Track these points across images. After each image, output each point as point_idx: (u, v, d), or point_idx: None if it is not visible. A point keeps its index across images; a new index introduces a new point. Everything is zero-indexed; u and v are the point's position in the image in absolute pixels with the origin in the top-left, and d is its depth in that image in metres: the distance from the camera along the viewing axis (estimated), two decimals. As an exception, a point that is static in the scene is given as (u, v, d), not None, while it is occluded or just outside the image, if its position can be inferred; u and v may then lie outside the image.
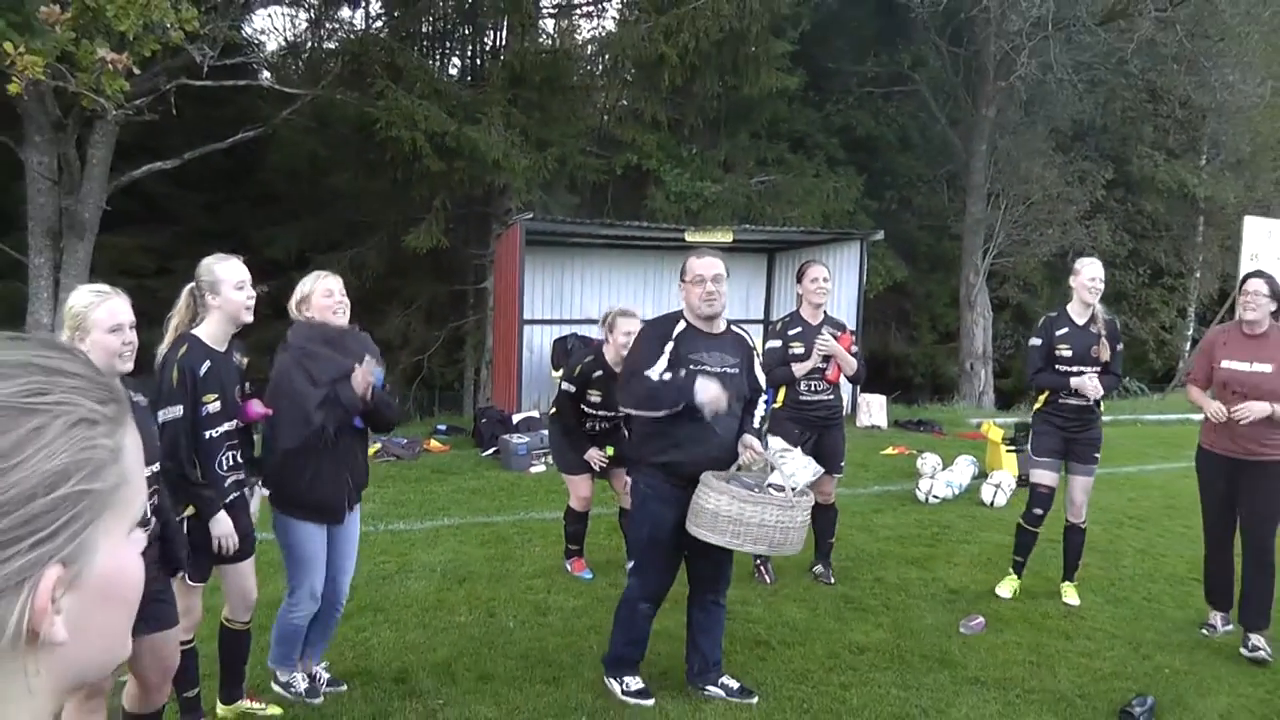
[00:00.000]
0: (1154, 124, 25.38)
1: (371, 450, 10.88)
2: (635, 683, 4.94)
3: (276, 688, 4.82)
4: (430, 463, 10.98)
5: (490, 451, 11.27)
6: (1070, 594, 6.71)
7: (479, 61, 19.95)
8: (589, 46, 18.38)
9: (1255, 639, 5.76)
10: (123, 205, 14.01)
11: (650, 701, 4.87)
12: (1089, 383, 6.28)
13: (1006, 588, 6.81)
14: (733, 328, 4.97)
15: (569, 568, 6.90)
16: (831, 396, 6.72)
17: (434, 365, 18.23)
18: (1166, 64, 22.16)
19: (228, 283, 4.13)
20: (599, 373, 6.47)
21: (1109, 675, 5.42)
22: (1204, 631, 6.14)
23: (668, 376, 4.64)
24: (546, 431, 10.87)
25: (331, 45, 18.40)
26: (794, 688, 5.12)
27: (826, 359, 6.54)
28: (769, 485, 4.70)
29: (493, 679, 5.07)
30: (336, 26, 18.57)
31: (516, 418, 11.41)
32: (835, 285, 13.64)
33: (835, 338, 6.55)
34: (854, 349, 6.75)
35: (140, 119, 11.61)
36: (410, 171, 15.47)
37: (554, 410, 6.93)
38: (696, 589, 5.09)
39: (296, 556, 4.65)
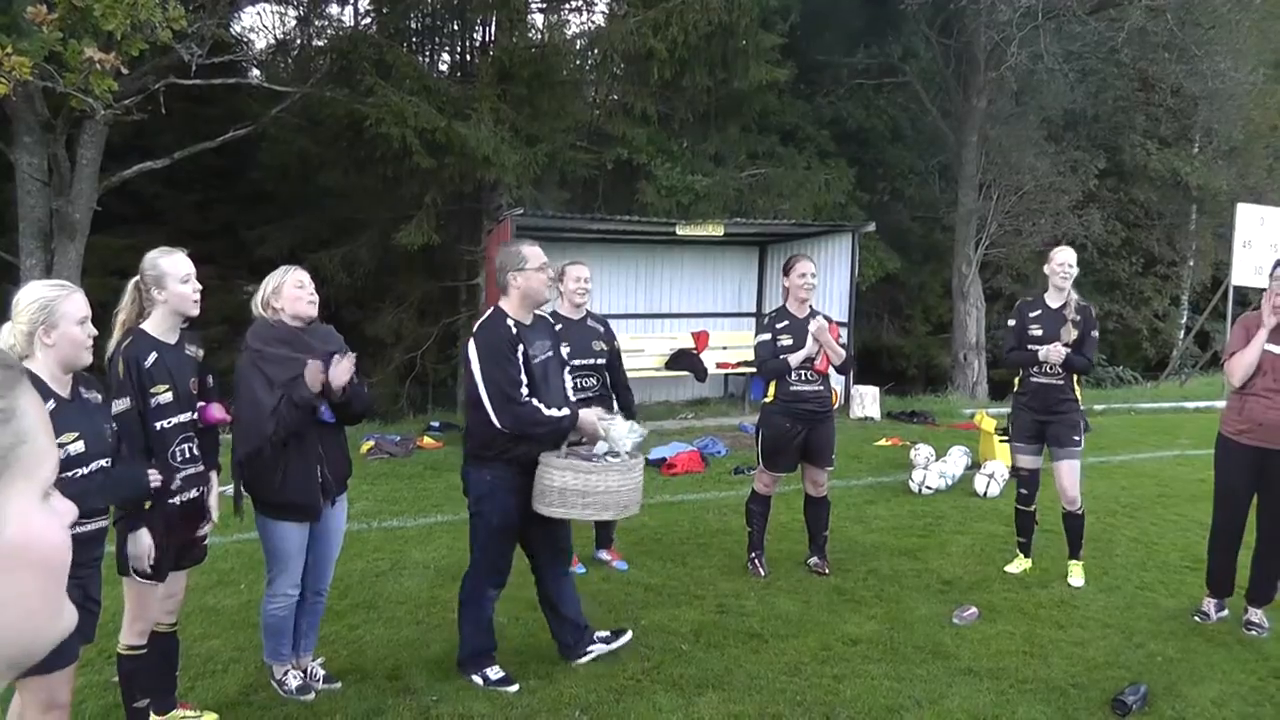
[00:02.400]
0: (1146, 113, 25.41)
1: (365, 448, 10.90)
2: (496, 672, 5.07)
3: (273, 684, 4.84)
4: (424, 459, 10.97)
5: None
6: (1076, 574, 6.85)
7: (468, 57, 19.92)
8: (578, 41, 18.32)
9: (1256, 614, 5.95)
10: (113, 205, 13.96)
11: (514, 687, 4.97)
12: (1054, 351, 6.45)
13: (1016, 566, 7.08)
14: (536, 312, 5.11)
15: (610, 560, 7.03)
16: (821, 387, 6.81)
17: (427, 362, 18.16)
18: (1157, 52, 22.14)
19: (173, 276, 4.13)
20: (558, 325, 6.51)
21: (1102, 664, 5.44)
22: (1196, 618, 6.17)
23: (551, 411, 4.82)
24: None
25: (320, 43, 18.29)
26: (787, 680, 5.13)
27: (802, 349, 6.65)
28: (605, 455, 4.91)
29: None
30: (325, 24, 18.46)
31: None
32: (827, 277, 13.73)
33: (827, 328, 6.67)
34: (841, 340, 6.84)
35: (129, 119, 11.57)
36: (400, 168, 15.41)
37: None
38: (545, 569, 5.27)
39: (273, 551, 4.68)
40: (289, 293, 4.62)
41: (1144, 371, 25.51)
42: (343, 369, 4.51)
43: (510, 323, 4.89)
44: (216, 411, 4.32)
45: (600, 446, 4.97)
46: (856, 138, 23.43)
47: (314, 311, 4.68)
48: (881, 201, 22.69)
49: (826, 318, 6.82)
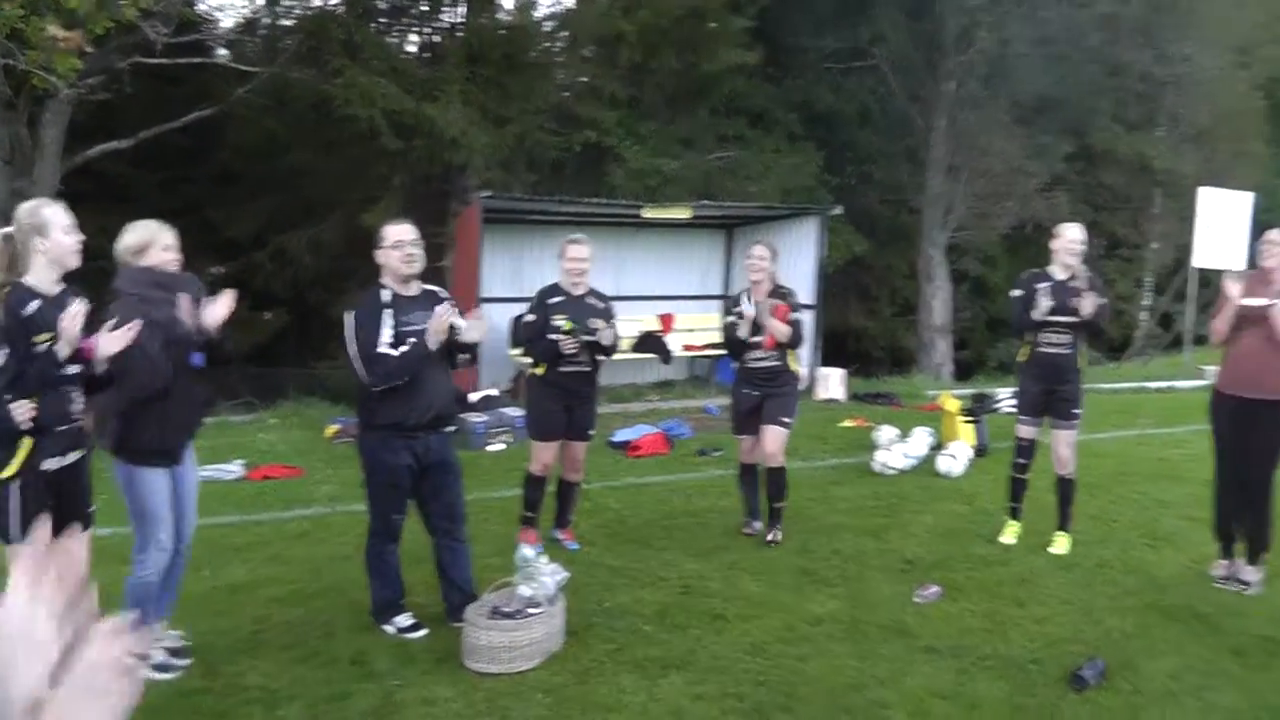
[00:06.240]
0: (1114, 97, 25.58)
1: (330, 431, 10.90)
2: (405, 620, 5.46)
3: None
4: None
5: (449, 429, 11.20)
6: (1060, 543, 7.12)
7: (437, 39, 19.79)
8: (548, 23, 18.26)
9: (1248, 572, 6.37)
10: (78, 186, 13.79)
11: (422, 633, 5.35)
12: (1086, 302, 6.67)
13: (1010, 534, 7.33)
14: (425, 287, 5.42)
15: (520, 541, 6.92)
16: (776, 362, 7.15)
17: (394, 344, 18.08)
18: (1126, 38, 22.33)
19: (56, 225, 4.11)
20: (558, 298, 6.76)
21: (1061, 640, 5.52)
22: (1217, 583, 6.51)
23: (399, 350, 5.10)
24: (505, 410, 10.91)
25: (288, 22, 18.13)
26: (750, 660, 5.18)
27: (758, 330, 7.00)
28: (526, 604, 5.15)
29: (450, 659, 5.09)
30: (293, 3, 18.28)
31: (474, 396, 11.38)
32: (795, 260, 13.76)
33: (774, 308, 6.98)
34: (792, 317, 7.08)
35: (94, 98, 11.48)
36: (368, 150, 15.35)
37: (525, 354, 7.13)
38: (437, 534, 5.56)
39: (144, 508, 4.69)
40: (158, 255, 4.75)
41: (1107, 352, 25.73)
42: (221, 306, 4.68)
43: (385, 292, 5.25)
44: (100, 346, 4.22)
45: (523, 589, 5.18)
46: (825, 121, 23.44)
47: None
48: (849, 184, 22.69)
49: (784, 296, 7.14)
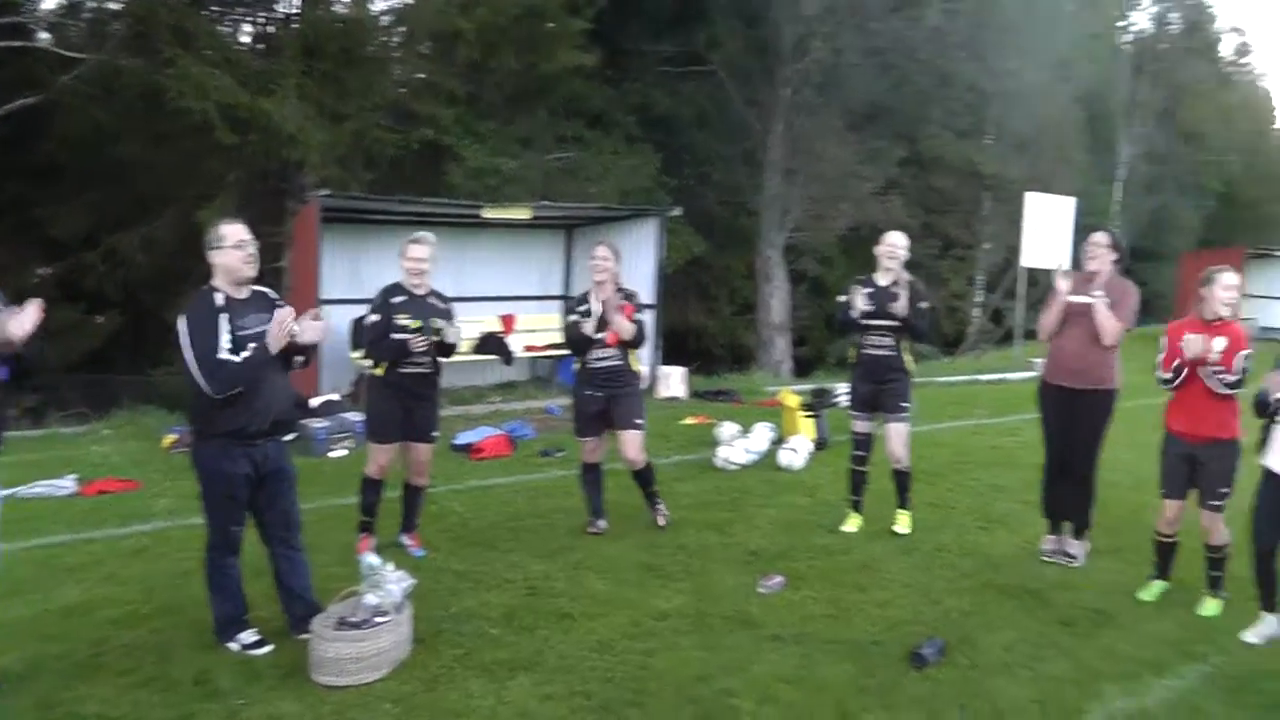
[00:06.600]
0: (943, 106, 26.61)
1: (168, 441, 10.51)
2: (249, 636, 5.25)
3: None
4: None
5: (290, 437, 10.88)
6: (902, 522, 7.53)
7: (272, 29, 19.19)
8: (385, 17, 17.90)
9: (1074, 546, 6.93)
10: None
11: (267, 649, 5.18)
12: (898, 305, 7.05)
13: (851, 524, 7.61)
14: (254, 289, 5.24)
15: (358, 548, 6.71)
16: (619, 362, 7.21)
17: (230, 348, 17.54)
18: (954, 51, 23.21)
19: None
20: (401, 297, 6.63)
21: (902, 622, 5.74)
22: (1045, 558, 6.99)
23: (240, 356, 4.92)
24: (347, 415, 10.68)
25: (115, 5, 17.30)
26: (598, 658, 5.19)
27: (603, 326, 7.07)
28: (373, 613, 5.06)
29: (296, 674, 4.94)
30: (120, -15, 17.48)
31: (315, 401, 11.09)
32: (634, 261, 13.81)
33: (620, 306, 7.06)
34: (636, 317, 7.18)
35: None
36: (202, 144, 14.80)
37: (367, 358, 6.87)
38: (274, 543, 5.41)
39: None
40: None
41: (942, 347, 26.68)
42: (28, 317, 4.39)
43: (218, 295, 5.03)
44: None
45: (370, 598, 5.08)
46: (663, 124, 23.66)
47: None
48: (688, 186, 22.96)
49: (629, 296, 7.23)
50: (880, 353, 7.22)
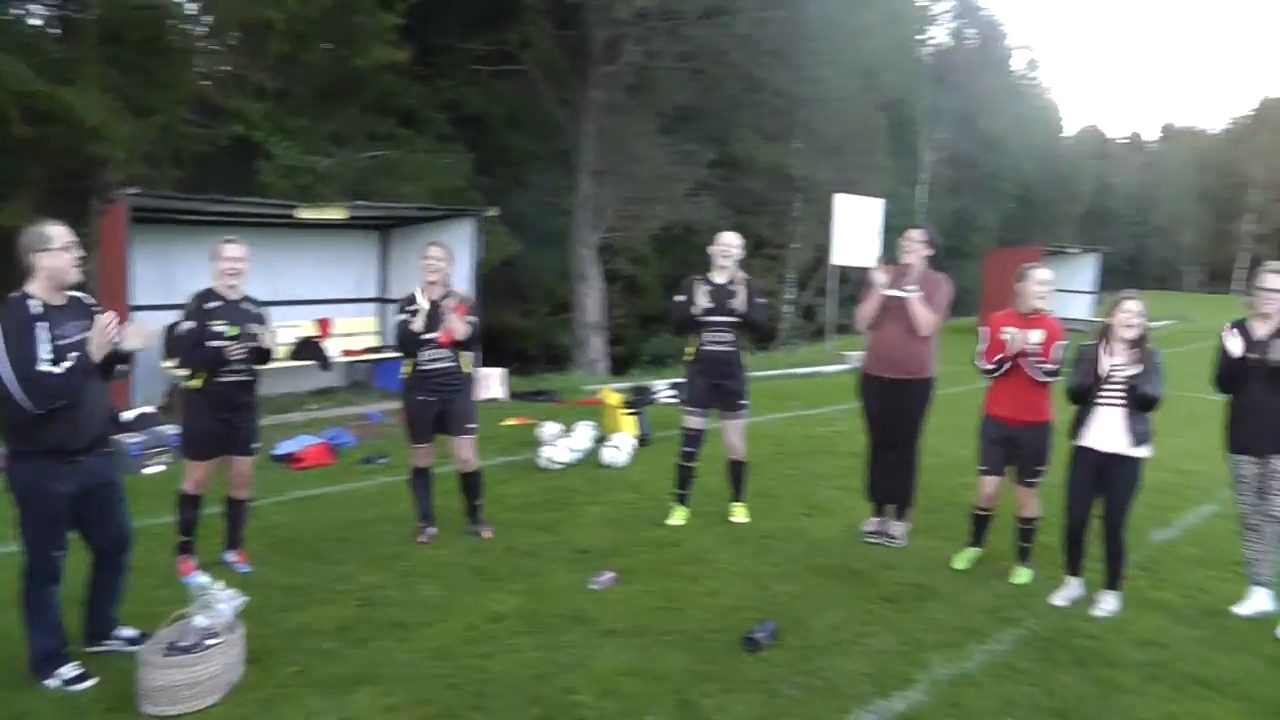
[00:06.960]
0: (753, 110, 27.25)
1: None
2: (70, 670, 4.89)
3: None
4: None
5: (109, 450, 10.31)
6: (739, 513, 7.82)
7: (69, 13, 18.20)
8: (191, 5, 17.20)
9: (897, 528, 7.33)
10: None
11: (91, 682, 4.85)
12: (738, 301, 7.27)
13: (678, 517, 7.81)
14: (70, 294, 4.96)
15: (179, 570, 6.44)
16: (451, 364, 7.11)
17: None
18: (764, 58, 23.77)
19: None
20: (215, 303, 6.33)
21: (733, 609, 5.88)
22: (869, 539, 7.36)
23: (61, 366, 4.65)
24: (161, 428, 10.20)
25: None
26: (437, 665, 5.12)
27: (434, 325, 6.98)
28: (204, 636, 4.86)
29: (124, 707, 4.63)
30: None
31: (128, 415, 10.54)
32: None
33: (455, 305, 7.00)
34: (469, 318, 7.11)
35: None
36: (-2, 138, 13.95)
37: (180, 365, 6.60)
38: (105, 561, 5.21)
39: None
40: None
41: (755, 343, 27.23)
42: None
43: (34, 303, 4.70)
44: None
45: (199, 620, 4.87)
46: (476, 123, 23.52)
47: None
48: (502, 186, 22.85)
49: (459, 297, 7.14)
50: (720, 349, 7.39)
